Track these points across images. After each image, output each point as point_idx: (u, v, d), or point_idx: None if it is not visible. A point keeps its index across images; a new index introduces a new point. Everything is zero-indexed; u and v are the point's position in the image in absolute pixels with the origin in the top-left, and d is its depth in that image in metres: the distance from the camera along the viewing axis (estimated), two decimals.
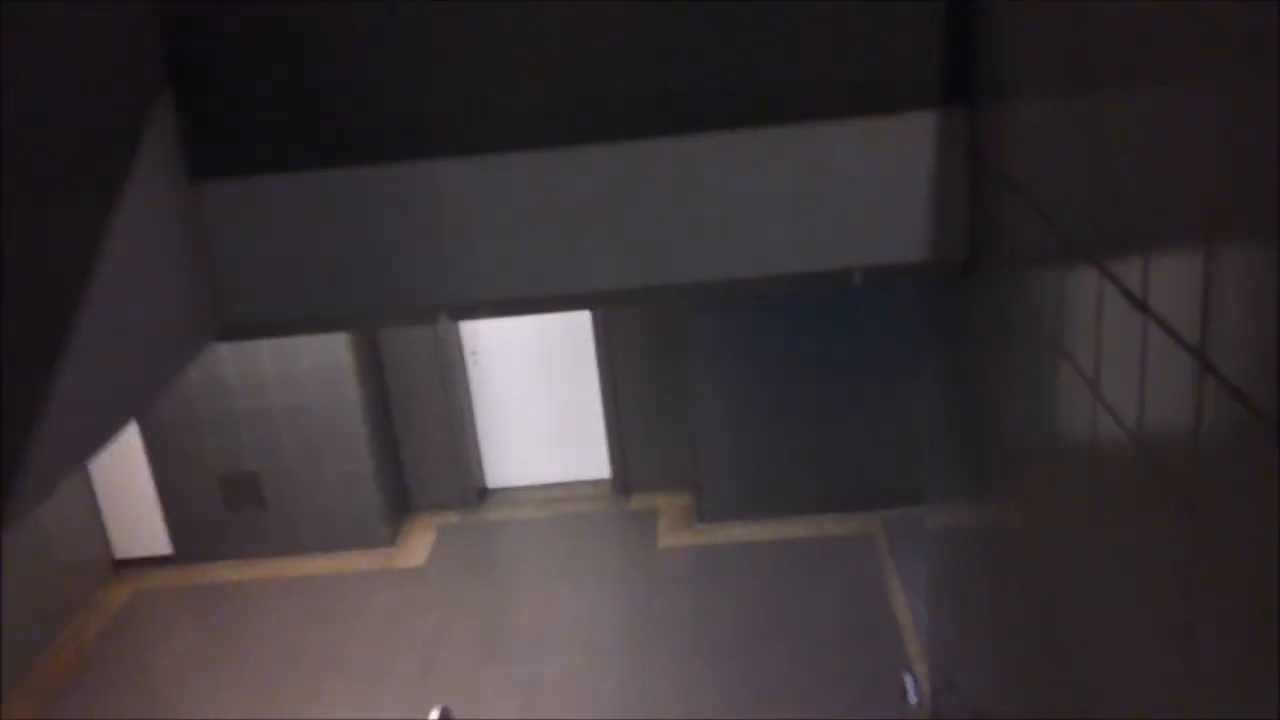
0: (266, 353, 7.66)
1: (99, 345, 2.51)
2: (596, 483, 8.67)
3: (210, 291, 3.56)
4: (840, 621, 6.77)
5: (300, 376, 7.72)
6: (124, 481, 8.11)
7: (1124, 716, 2.11)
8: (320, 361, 7.67)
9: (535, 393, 8.50)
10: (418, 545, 8.21)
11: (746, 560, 7.56)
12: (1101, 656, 2.25)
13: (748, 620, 6.91)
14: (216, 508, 8.10)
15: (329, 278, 3.55)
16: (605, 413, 8.34)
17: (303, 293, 3.60)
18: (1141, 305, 1.82)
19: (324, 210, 3.43)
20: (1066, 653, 2.70)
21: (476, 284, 3.53)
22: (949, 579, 4.30)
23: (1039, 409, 2.65)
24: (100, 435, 2.57)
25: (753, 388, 7.67)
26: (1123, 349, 1.95)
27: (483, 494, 8.73)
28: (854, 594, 7.03)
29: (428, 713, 4.92)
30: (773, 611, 6.96)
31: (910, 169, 3.27)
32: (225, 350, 7.65)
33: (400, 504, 8.46)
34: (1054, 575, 2.78)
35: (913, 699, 4.59)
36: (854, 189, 3.31)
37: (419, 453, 8.46)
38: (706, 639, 6.78)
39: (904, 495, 7.64)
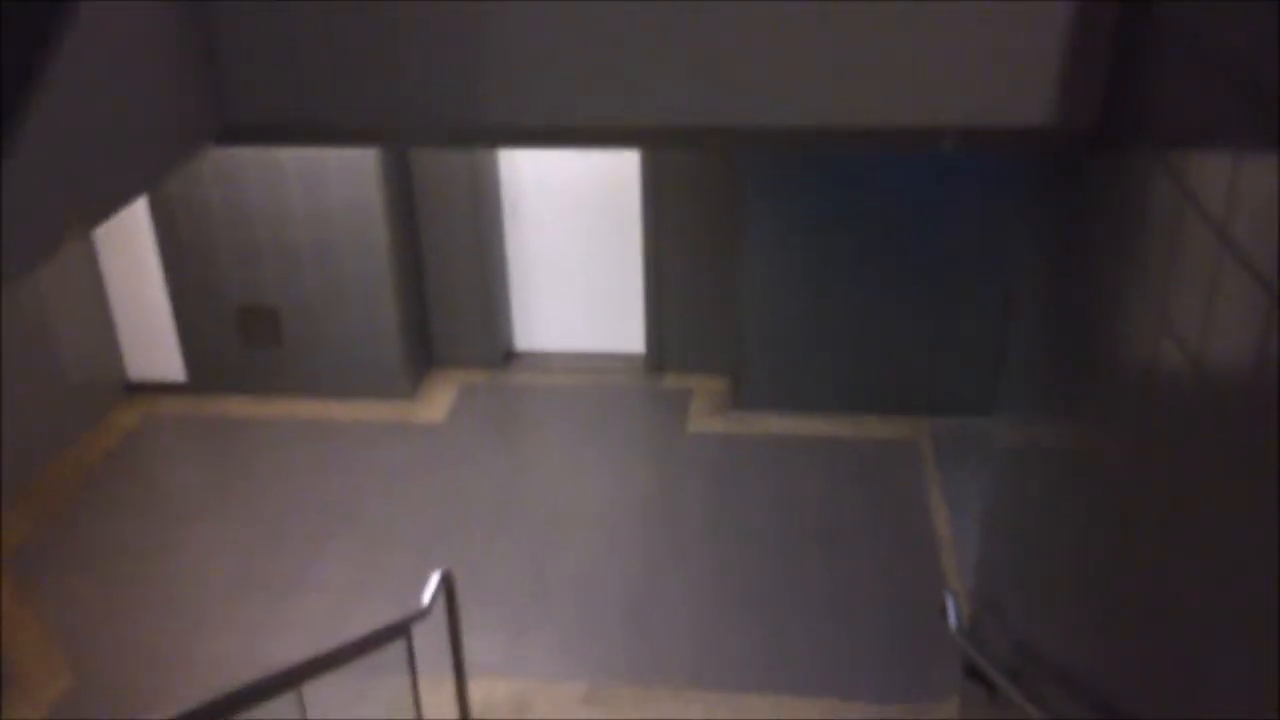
0: (294, 182, 7.20)
1: (88, 120, 2.40)
2: (629, 357, 8.25)
3: (212, 86, 3.09)
4: (876, 529, 6.38)
5: (328, 211, 7.27)
6: (141, 305, 7.77)
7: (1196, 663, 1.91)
8: (350, 197, 7.21)
9: (574, 255, 8.02)
10: (438, 401, 7.86)
11: (780, 454, 7.16)
12: (1184, 605, 1.95)
13: (776, 518, 6.53)
14: (233, 340, 7.76)
15: (348, 82, 3.09)
16: (646, 283, 7.87)
17: (317, 96, 3.14)
18: None
19: (348, 4, 2.94)
20: (1144, 594, 2.31)
21: (515, 105, 3.06)
22: (1010, 498, 3.86)
23: (1183, 318, 2.15)
24: (88, 214, 2.50)
25: (807, 269, 7.15)
26: None
27: (509, 356, 8.34)
28: (893, 502, 6.63)
29: (429, 575, 4.62)
30: (804, 512, 6.58)
31: (1030, 8, 2.72)
32: (251, 176, 7.20)
33: (423, 357, 8.09)
34: (1145, 514, 2.38)
35: (952, 621, 4.20)
36: (956, 30, 2.77)
37: (447, 306, 8.04)
38: (730, 533, 6.43)
39: (958, 403, 7.18)
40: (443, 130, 3.21)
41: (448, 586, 4.68)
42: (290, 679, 3.54)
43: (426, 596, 4.48)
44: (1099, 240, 2.82)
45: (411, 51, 3.03)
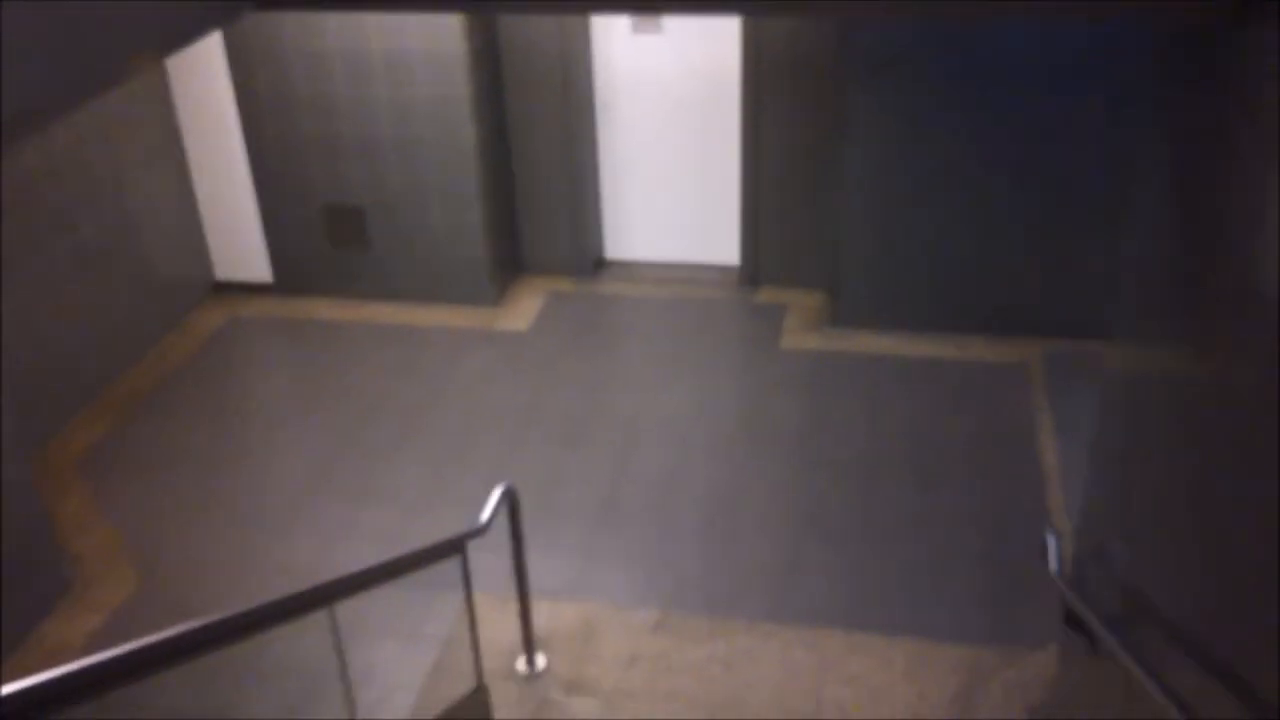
0: (380, 74, 6.93)
1: None
2: (723, 269, 7.86)
3: None
4: (977, 459, 5.95)
5: (414, 106, 7.00)
6: (229, 203, 7.65)
7: None
8: (436, 91, 6.92)
9: (668, 160, 7.62)
10: (523, 309, 7.61)
11: (878, 375, 6.74)
12: None
13: (872, 442, 6.15)
14: (319, 241, 7.61)
15: None
16: (742, 192, 7.44)
17: None
18: None
19: None
20: (1274, 544, 1.89)
21: None
22: (1125, 433, 3.43)
23: None
24: (116, 68, 2.39)
25: (911, 179, 6.63)
26: None
27: (599, 264, 8.02)
28: (997, 430, 6.17)
29: (494, 488, 4.40)
30: (901, 436, 6.17)
31: None
32: (337, 68, 6.95)
33: (509, 263, 7.83)
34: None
35: (1053, 564, 3.81)
36: None
37: (535, 210, 7.74)
38: (820, 457, 6.07)
39: (1072, 324, 6.64)
40: None
41: (511, 503, 4.45)
42: (329, 594, 3.34)
43: (486, 513, 4.26)
44: (1238, 140, 2.35)
45: None
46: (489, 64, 7.14)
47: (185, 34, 2.81)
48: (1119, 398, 3.51)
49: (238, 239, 7.78)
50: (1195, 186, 2.78)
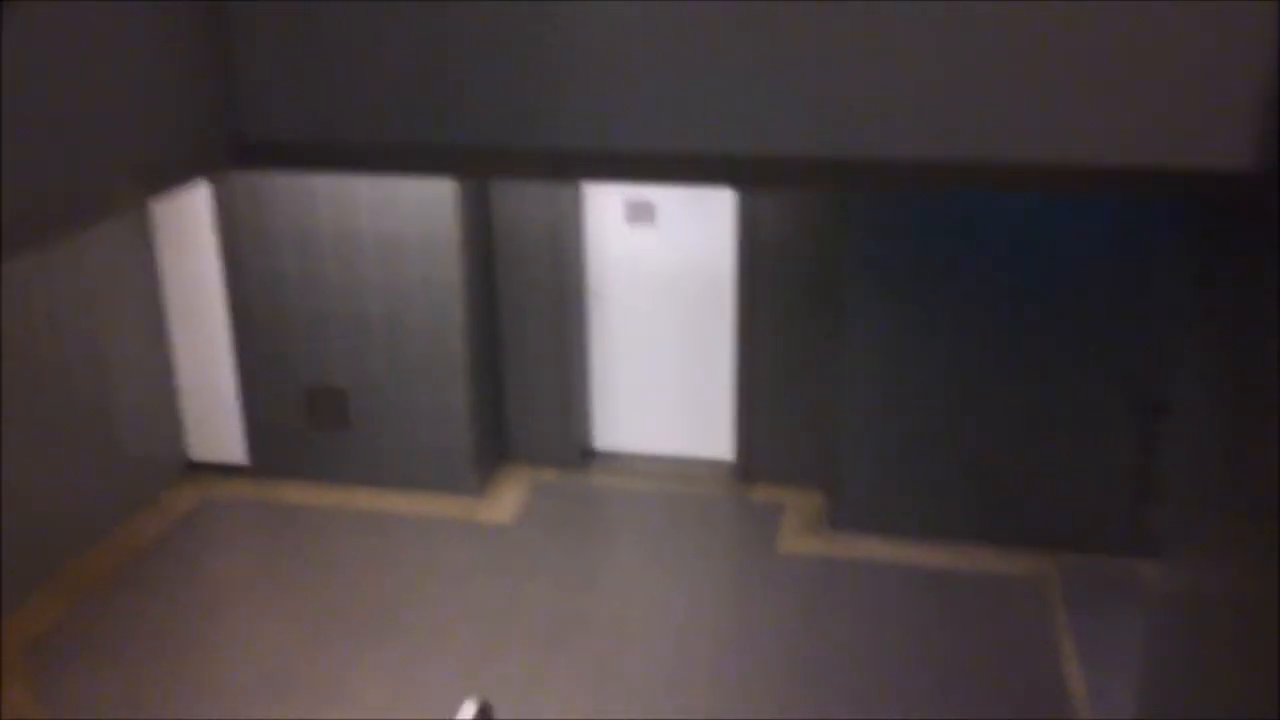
0: (371, 253, 6.79)
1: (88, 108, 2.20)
2: (716, 464, 7.56)
3: (226, 97, 2.60)
4: (992, 681, 5.50)
5: (404, 285, 6.83)
6: (207, 381, 7.38)
7: None
8: (427, 271, 6.76)
9: (660, 349, 7.42)
10: (507, 500, 7.25)
11: (882, 584, 6.34)
12: None
13: (876, 660, 5.70)
14: (298, 421, 7.31)
15: (384, 95, 2.56)
16: (736, 384, 7.21)
17: (347, 112, 2.61)
18: None
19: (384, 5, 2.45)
20: None
21: (588, 126, 2.49)
22: (1179, 660, 3.05)
23: None
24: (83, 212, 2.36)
25: (915, 372, 6.41)
26: None
27: (587, 454, 7.71)
28: (1013, 650, 5.73)
29: (463, 703, 3.96)
30: (908, 655, 5.73)
31: (1191, 34, 2.12)
32: (327, 248, 6.81)
33: (494, 450, 7.51)
34: None
35: None
36: (1108, 52, 2.18)
37: (523, 396, 7.49)
38: (820, 672, 5.61)
39: (1093, 537, 6.30)
40: (497, 155, 2.64)
41: None
42: None
43: None
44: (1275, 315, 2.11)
45: (461, 61, 2.50)
46: (481, 248, 7.02)
47: (164, 178, 2.62)
48: (1170, 618, 3.15)
49: (215, 418, 7.47)
50: (1250, 375, 2.51)
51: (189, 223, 6.99)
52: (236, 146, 2.65)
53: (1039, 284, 6.11)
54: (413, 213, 6.66)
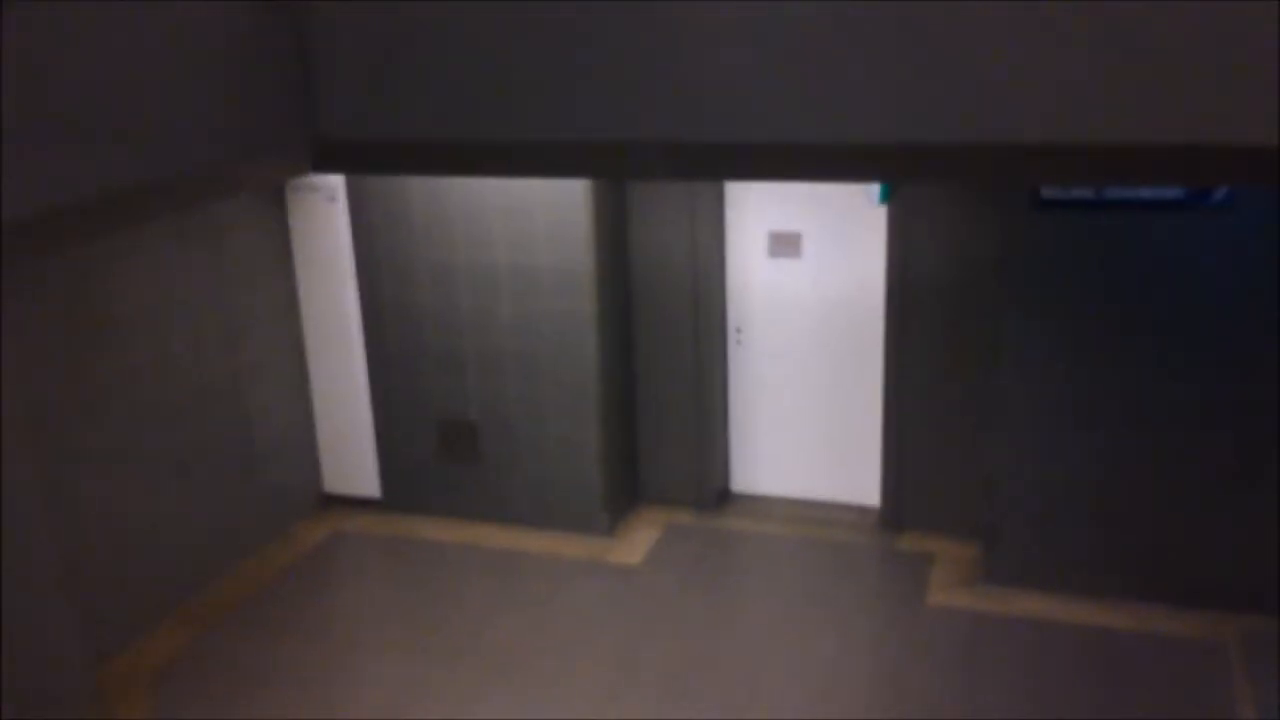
0: (504, 285, 6.68)
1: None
2: (861, 509, 7.13)
3: (306, 98, 2.46)
4: None
5: (536, 318, 6.69)
6: (344, 414, 7.38)
7: None
8: (561, 305, 6.60)
9: (803, 386, 7.06)
10: (637, 541, 6.98)
11: (1041, 645, 5.80)
12: None
13: None
14: (430, 456, 7.22)
15: (469, 90, 2.36)
16: (885, 424, 6.79)
17: (429, 108, 2.42)
18: None
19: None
20: None
21: (708, 118, 2.25)
22: None
23: None
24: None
25: (1078, 413, 5.88)
26: None
27: (723, 496, 7.38)
28: None
29: None
30: None
31: None
32: (461, 280, 6.74)
33: (626, 489, 7.26)
34: None
35: None
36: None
37: (657, 436, 7.23)
38: None
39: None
40: (587, 147, 2.40)
41: None
42: None
43: None
44: None
45: (550, 55, 2.28)
46: (617, 281, 6.83)
47: (245, 177, 2.50)
48: None
49: (349, 451, 7.46)
50: None
51: (328, 255, 7.03)
52: (317, 146, 2.49)
53: (1218, 320, 5.54)
54: (547, 246, 6.52)
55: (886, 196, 4.72)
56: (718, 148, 2.36)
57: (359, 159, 2.58)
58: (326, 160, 2.54)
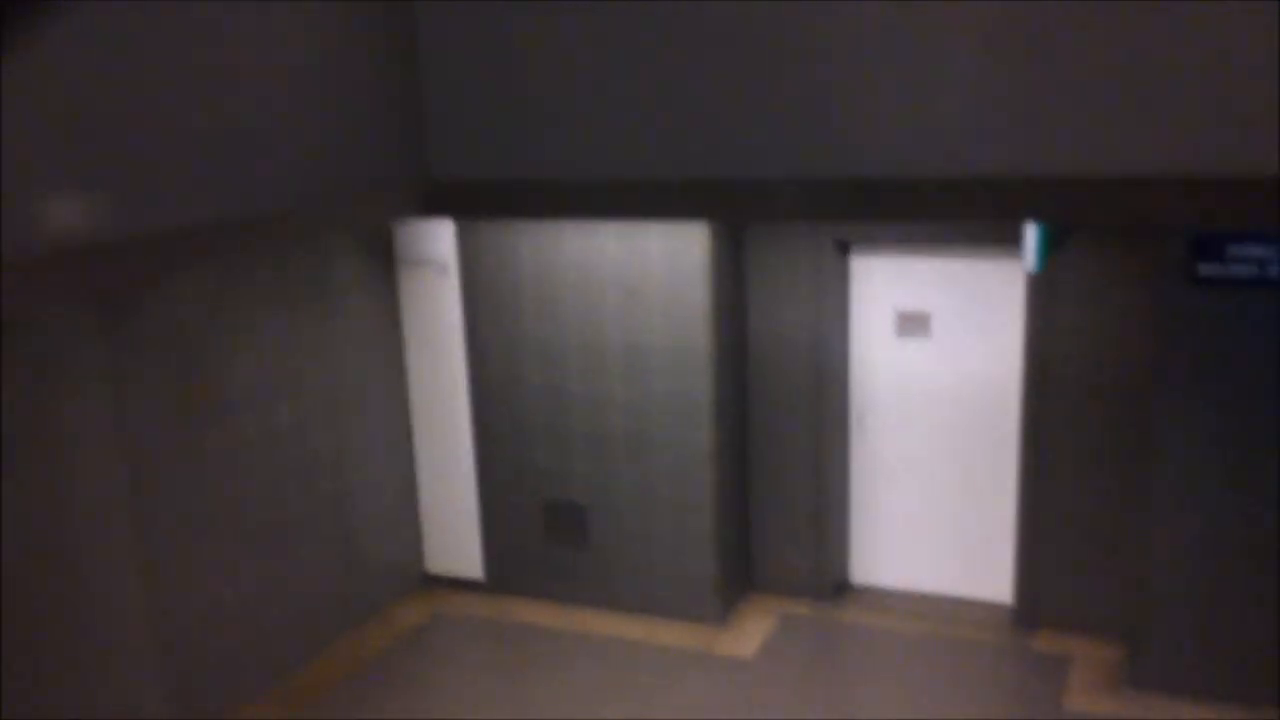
0: (617, 364, 6.49)
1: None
2: (992, 606, 6.66)
3: (417, 137, 2.31)
4: None
5: (649, 400, 6.47)
6: (449, 493, 7.21)
7: None
8: (674, 388, 6.38)
9: (931, 476, 6.68)
10: (751, 632, 6.62)
11: None
12: None
13: None
14: (536, 539, 7.00)
15: (578, 129, 2.18)
16: (1020, 515, 6.36)
17: (542, 152, 2.25)
18: None
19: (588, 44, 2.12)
20: None
21: (836, 154, 2.03)
22: None
23: None
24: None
25: (1239, 504, 5.40)
26: None
27: (842, 588, 6.98)
28: None
29: None
30: None
31: None
32: (572, 361, 6.57)
33: (740, 578, 6.92)
34: None
35: None
36: None
37: (773, 523, 6.90)
38: None
39: None
40: (721, 189, 2.19)
41: None
42: None
43: None
44: None
45: (674, 95, 2.10)
46: (734, 360, 6.59)
47: (356, 216, 2.34)
48: None
49: (453, 530, 7.28)
50: None
51: (438, 329, 6.94)
52: (427, 186, 2.33)
53: None
54: (661, 322, 6.33)
55: (1044, 261, 4.40)
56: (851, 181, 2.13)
57: (470, 200, 2.41)
58: (437, 202, 2.37)
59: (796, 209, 2.49)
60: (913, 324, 6.51)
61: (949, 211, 2.35)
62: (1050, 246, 4.56)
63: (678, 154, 2.21)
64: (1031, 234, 4.21)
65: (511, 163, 2.28)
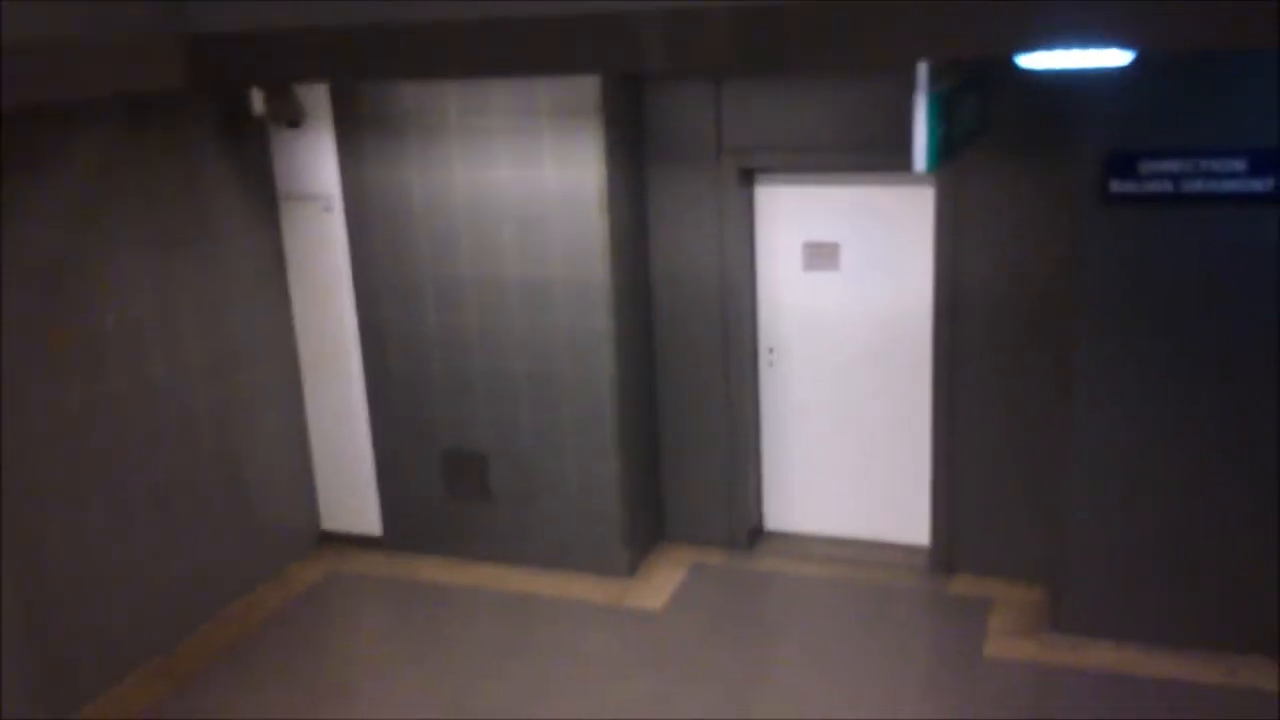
0: (516, 304, 6.11)
1: None
2: (909, 549, 6.44)
3: None
4: None
5: (552, 337, 6.11)
6: (343, 447, 6.81)
7: None
8: (575, 324, 6.02)
9: (844, 415, 6.41)
10: (661, 583, 6.33)
11: (1118, 702, 5.07)
12: None
13: None
14: (436, 491, 6.63)
15: None
16: (935, 455, 6.12)
17: None
18: None
19: None
20: None
21: None
22: None
23: None
24: None
25: (1164, 438, 5.19)
26: None
27: (755, 535, 6.72)
28: None
29: None
30: None
31: None
32: (469, 297, 6.18)
33: (649, 527, 6.62)
34: None
35: None
36: None
37: (683, 467, 6.60)
38: None
39: None
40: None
41: None
42: None
43: None
44: None
45: None
46: (637, 297, 6.25)
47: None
48: None
49: (348, 485, 6.88)
50: None
51: (325, 271, 6.50)
52: (189, 43, 1.92)
53: None
54: (561, 255, 5.96)
55: (935, 159, 4.06)
56: None
57: (241, 59, 2.02)
58: (202, 63, 1.98)
59: (668, 53, 2.09)
60: (821, 255, 6.21)
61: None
62: (943, 145, 4.22)
63: None
64: (921, 131, 3.88)
65: (292, 6, 1.89)
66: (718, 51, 2.06)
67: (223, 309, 6.11)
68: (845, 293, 6.22)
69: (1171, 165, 4.89)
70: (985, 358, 5.86)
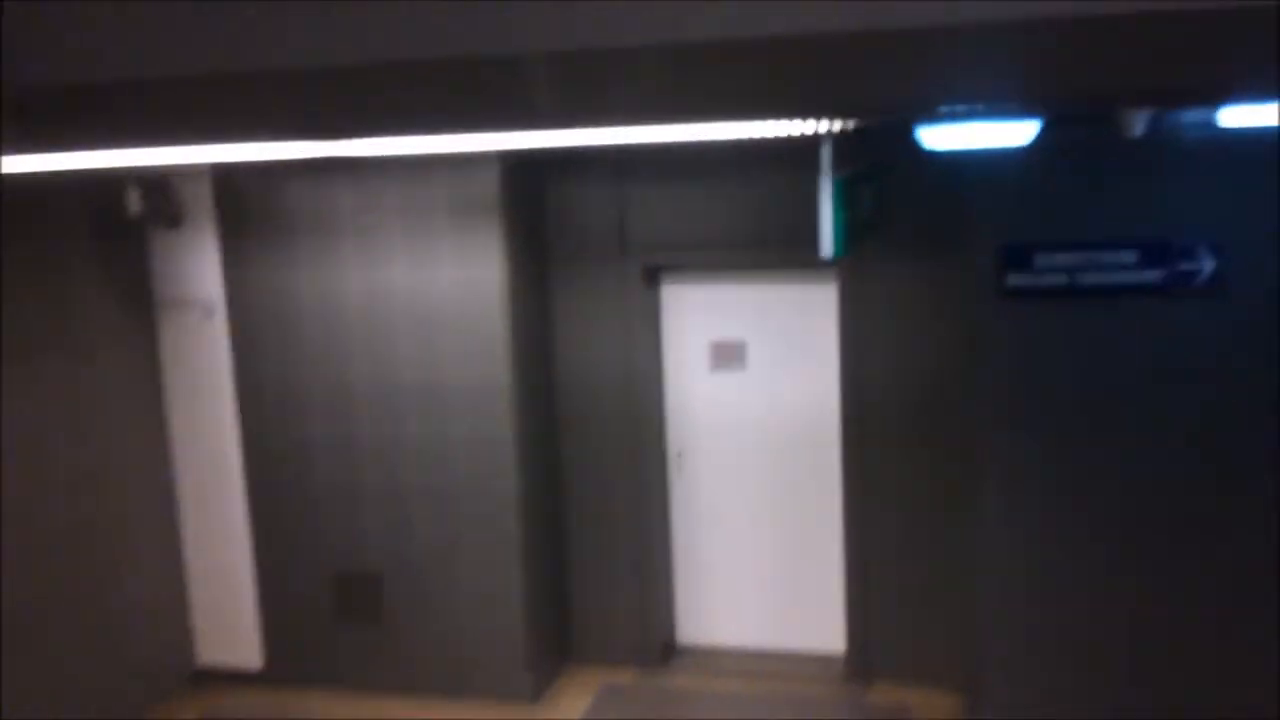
0: (411, 411, 5.82)
1: None
2: (826, 659, 6.21)
3: None
4: None
5: (447, 445, 5.81)
6: (222, 570, 6.31)
7: None
8: (477, 430, 5.75)
9: (756, 521, 6.23)
10: (569, 707, 5.95)
11: None
12: None
13: None
14: (325, 616, 6.17)
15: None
16: (847, 560, 5.95)
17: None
18: None
19: None
20: None
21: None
22: None
23: None
24: None
25: (1076, 543, 5.11)
26: None
27: (668, 650, 6.40)
28: None
29: None
30: None
31: None
32: (362, 406, 5.86)
33: (554, 647, 6.26)
34: None
35: None
36: None
37: (591, 582, 6.29)
38: None
39: None
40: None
41: None
42: None
43: None
44: None
45: None
46: (539, 400, 6.02)
47: None
48: None
49: (227, 614, 6.36)
50: None
51: (205, 381, 6.12)
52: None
53: (1232, 422, 4.88)
54: (459, 358, 5.72)
55: (841, 245, 3.98)
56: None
57: (60, 114, 1.78)
58: (18, 118, 1.75)
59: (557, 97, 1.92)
60: (728, 354, 6.10)
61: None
62: (849, 231, 4.18)
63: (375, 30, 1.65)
64: (827, 215, 3.83)
65: (129, 55, 1.67)
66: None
67: (88, 421, 5.66)
68: (753, 393, 6.10)
69: (1066, 258, 4.94)
70: (891, 455, 5.77)
